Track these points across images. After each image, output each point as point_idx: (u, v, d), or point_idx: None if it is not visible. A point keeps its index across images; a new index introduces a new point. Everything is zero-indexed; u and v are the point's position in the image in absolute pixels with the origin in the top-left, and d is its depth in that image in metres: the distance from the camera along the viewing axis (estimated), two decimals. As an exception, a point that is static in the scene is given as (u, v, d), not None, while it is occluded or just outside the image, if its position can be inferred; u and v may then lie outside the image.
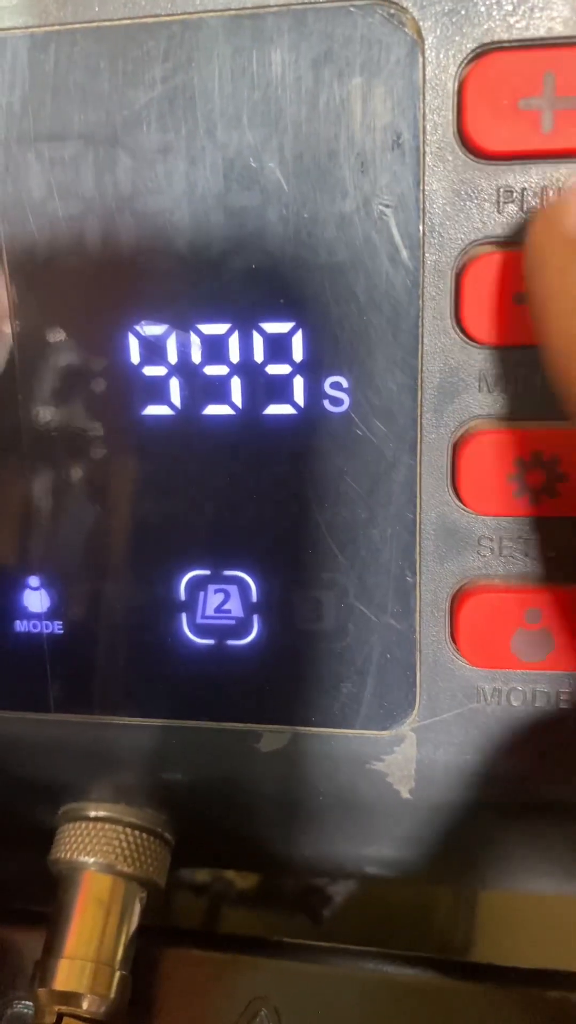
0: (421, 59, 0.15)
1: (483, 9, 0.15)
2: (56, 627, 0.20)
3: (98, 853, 0.21)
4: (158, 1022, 0.21)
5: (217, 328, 0.17)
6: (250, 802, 0.21)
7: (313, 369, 0.17)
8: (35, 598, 0.20)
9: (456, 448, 0.17)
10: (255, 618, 0.19)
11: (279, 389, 0.18)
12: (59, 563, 0.19)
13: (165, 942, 0.22)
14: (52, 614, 0.20)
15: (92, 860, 0.21)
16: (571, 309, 0.15)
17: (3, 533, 0.19)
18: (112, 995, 0.20)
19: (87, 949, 0.20)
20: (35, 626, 0.20)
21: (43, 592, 0.20)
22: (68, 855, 0.21)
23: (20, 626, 0.20)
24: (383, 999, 0.21)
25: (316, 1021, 0.21)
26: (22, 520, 0.19)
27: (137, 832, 0.21)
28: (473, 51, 0.15)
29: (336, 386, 0.18)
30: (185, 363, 0.18)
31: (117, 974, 0.20)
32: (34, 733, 0.20)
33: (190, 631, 0.19)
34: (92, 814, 0.22)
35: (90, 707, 0.20)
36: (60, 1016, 0.20)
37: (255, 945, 0.22)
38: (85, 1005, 0.20)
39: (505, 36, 0.15)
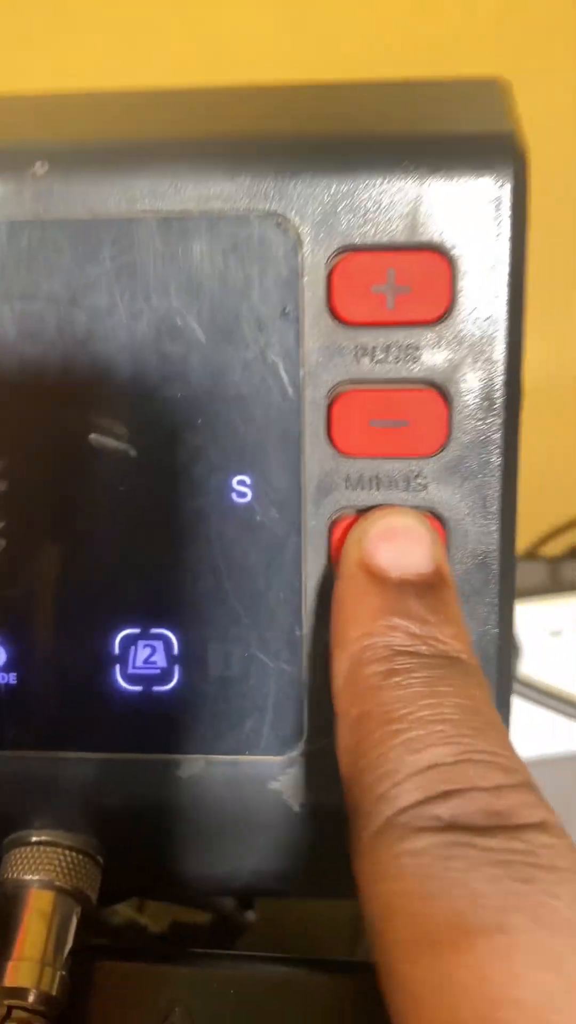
0: (300, 254, 0.22)
1: (344, 223, 0.22)
2: (11, 678, 0.24)
3: (41, 872, 0.25)
4: None
5: (150, 439, 0.23)
6: (171, 823, 0.25)
7: (224, 471, 0.23)
8: (-5, 654, 0.24)
9: (331, 530, 0.23)
10: (176, 668, 0.24)
11: (197, 484, 0.23)
12: (14, 625, 0.24)
13: (94, 956, 0.26)
14: (7, 667, 0.24)
15: (36, 878, 0.25)
16: (348, 623, 0.20)
17: (-29, 601, 0.24)
18: (54, 992, 0.24)
19: (32, 952, 0.24)
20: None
21: (1, 648, 0.24)
22: (15, 875, 0.25)
23: (-19, 678, 0.24)
24: (290, 999, 0.25)
25: (227, 1020, 0.25)
26: (-13, 590, 0.24)
27: (74, 853, 0.26)
28: (337, 250, 0.22)
29: (242, 483, 0.23)
30: (126, 463, 0.23)
31: (58, 974, 0.24)
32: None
33: (122, 679, 0.24)
34: (35, 839, 0.26)
35: (40, 744, 0.24)
36: (10, 1009, 0.23)
37: (172, 955, 0.26)
38: (31, 999, 0.24)
39: (359, 242, 0.22)
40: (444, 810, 0.17)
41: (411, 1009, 0.16)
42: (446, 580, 0.21)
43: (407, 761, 0.18)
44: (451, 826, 0.17)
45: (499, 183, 0.21)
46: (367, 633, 0.20)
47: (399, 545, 0.21)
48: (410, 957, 0.16)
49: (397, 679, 0.19)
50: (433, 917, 0.16)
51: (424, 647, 0.20)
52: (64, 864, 0.25)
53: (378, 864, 0.17)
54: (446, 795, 0.17)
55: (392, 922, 0.16)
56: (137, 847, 0.26)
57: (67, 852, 0.25)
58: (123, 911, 0.34)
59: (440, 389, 0.22)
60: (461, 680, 0.19)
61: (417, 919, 0.16)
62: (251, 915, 0.35)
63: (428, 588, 0.21)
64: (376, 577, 0.21)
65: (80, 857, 0.25)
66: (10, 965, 0.24)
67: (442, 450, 0.22)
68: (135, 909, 0.35)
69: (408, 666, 0.19)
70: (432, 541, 0.21)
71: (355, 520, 0.22)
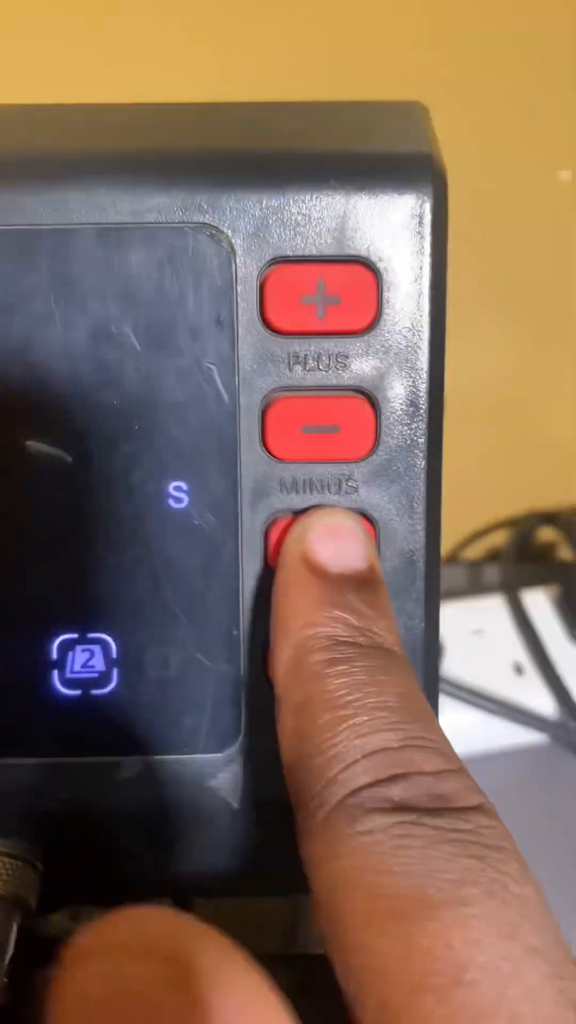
0: (234, 265, 0.22)
1: (275, 236, 0.22)
2: (-53, 686, 0.24)
3: (-21, 880, 0.25)
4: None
5: (86, 445, 0.23)
6: (110, 825, 0.25)
7: (161, 476, 0.23)
8: None
9: (267, 532, 0.24)
10: (114, 671, 0.24)
11: (134, 491, 0.24)
12: (-49, 633, 0.24)
13: (33, 963, 0.26)
14: (-56, 675, 0.24)
15: (-27, 886, 0.25)
16: (290, 613, 0.21)
17: None
18: (-6, 998, 0.24)
19: (-29, 961, 0.24)
20: None
21: None
22: (-48, 884, 0.25)
23: None
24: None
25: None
26: None
27: (12, 860, 0.26)
28: (269, 261, 0.23)
29: (178, 488, 0.24)
30: (62, 470, 0.23)
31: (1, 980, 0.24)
32: None
33: (60, 684, 0.24)
34: (-27, 848, 0.26)
35: (-23, 750, 0.24)
36: (-51, 1017, 0.23)
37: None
38: (-29, 1006, 0.23)
39: (290, 253, 0.22)
40: (394, 792, 0.18)
41: (376, 980, 0.16)
42: (378, 577, 0.22)
43: (355, 744, 0.19)
44: (401, 807, 0.18)
45: (420, 200, 0.22)
46: (310, 623, 0.21)
47: (338, 543, 0.22)
48: (371, 928, 0.16)
49: (341, 667, 0.20)
50: (394, 889, 0.17)
51: (362, 638, 0.21)
52: (4, 871, 0.25)
53: (331, 844, 0.18)
54: (394, 778, 0.18)
55: (349, 895, 0.17)
56: (77, 851, 0.26)
57: (4, 858, 0.25)
58: (57, 921, 0.34)
59: (368, 396, 0.23)
60: (396, 671, 0.20)
61: (377, 892, 0.17)
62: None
63: (364, 584, 0.22)
64: (317, 571, 0.22)
65: (18, 863, 0.25)
66: (-51, 974, 0.24)
67: (371, 454, 0.23)
68: (69, 918, 0.35)
69: (350, 655, 0.20)
70: (366, 541, 0.22)
71: (292, 521, 0.23)
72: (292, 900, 0.38)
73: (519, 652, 0.53)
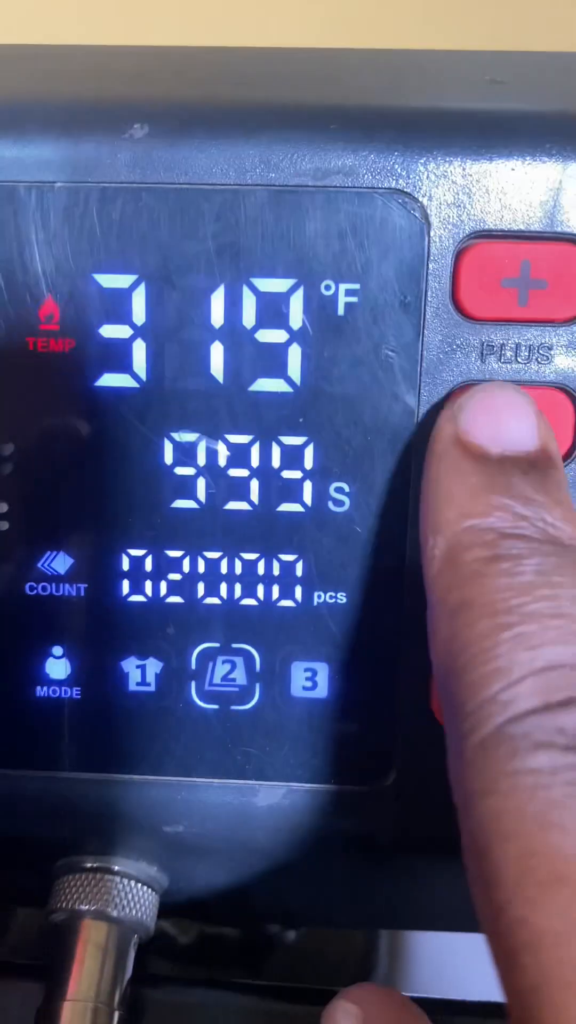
0: (427, 238, 0.19)
1: (477, 205, 0.19)
2: (74, 693, 0.22)
3: (96, 902, 0.23)
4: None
5: (242, 438, 0.21)
6: (242, 854, 0.23)
7: (321, 476, 0.21)
8: (58, 666, 0.22)
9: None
10: (257, 686, 0.22)
11: (291, 490, 0.21)
12: (82, 639, 0.22)
13: (150, 987, 0.24)
14: (72, 681, 0.22)
15: (90, 908, 0.23)
16: (443, 504, 0.18)
17: (35, 607, 0.22)
18: (111, 1033, 0.22)
19: (88, 991, 0.22)
20: (55, 691, 0.22)
21: (65, 660, 0.22)
22: (67, 904, 0.23)
23: (41, 691, 0.22)
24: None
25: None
26: (53, 596, 0.22)
27: (132, 881, 0.24)
28: (468, 236, 0.20)
29: (339, 490, 0.21)
30: (212, 465, 0.21)
31: (116, 1014, 0.22)
32: (46, 790, 0.22)
33: (198, 697, 0.22)
34: (90, 865, 0.24)
35: (104, 766, 0.22)
36: (66, 1054, 0.21)
37: (231, 987, 0.25)
38: (88, 1043, 0.22)
39: (493, 227, 0.19)
40: (569, 722, 0.14)
41: (528, 958, 0.13)
42: (554, 461, 0.18)
43: (521, 658, 0.15)
44: None
45: None
46: (466, 514, 0.17)
47: (501, 420, 0.18)
48: (523, 894, 0.13)
49: (505, 565, 0.16)
50: (558, 849, 0.13)
51: (532, 529, 0.17)
52: (122, 893, 0.23)
53: (487, 778, 0.15)
54: (570, 703, 0.15)
55: (505, 846, 0.14)
56: (201, 877, 0.24)
57: (126, 880, 0.23)
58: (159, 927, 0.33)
59: (572, 394, 0.20)
60: (575, 570, 0.16)
61: (536, 847, 0.14)
62: (291, 936, 0.33)
63: (534, 466, 0.18)
64: (474, 454, 0.18)
65: (139, 886, 0.23)
66: (65, 1006, 0.22)
67: (569, 459, 0.20)
68: (173, 926, 0.33)
69: (517, 552, 0.17)
70: (538, 418, 0.19)
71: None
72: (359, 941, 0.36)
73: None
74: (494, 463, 0.18)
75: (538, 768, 0.14)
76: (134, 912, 0.23)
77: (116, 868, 0.23)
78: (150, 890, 0.24)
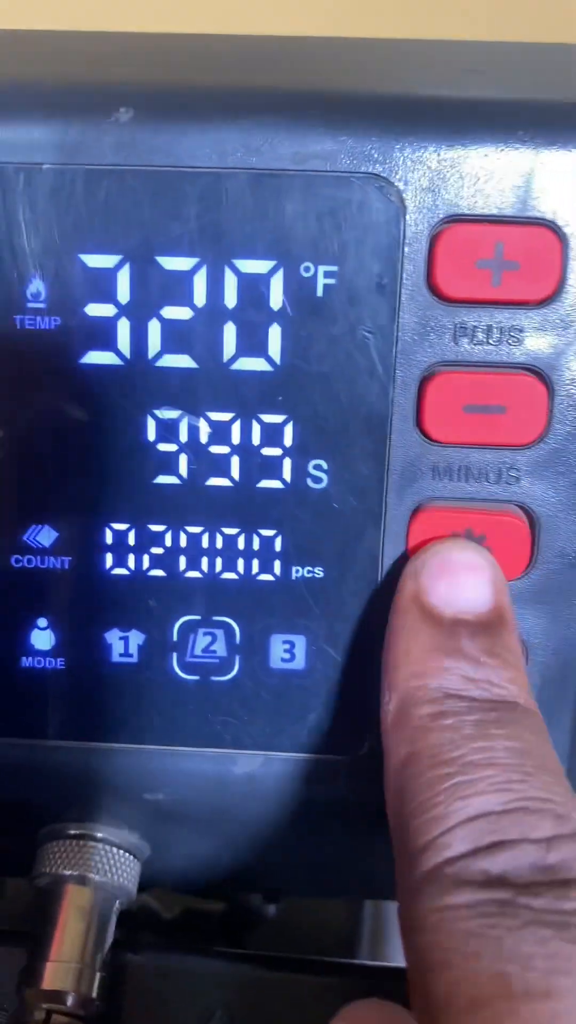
0: (403, 222, 0.20)
1: (451, 191, 0.20)
2: (58, 663, 0.23)
3: (79, 867, 0.24)
4: None
5: (223, 416, 0.21)
6: (220, 821, 0.24)
7: (300, 453, 0.21)
8: (42, 637, 0.23)
9: (411, 522, 0.22)
10: (237, 658, 0.23)
11: (270, 467, 0.22)
12: (67, 609, 0.22)
13: (131, 953, 0.25)
14: (56, 652, 0.23)
15: (74, 873, 0.24)
16: (399, 661, 0.20)
17: (21, 580, 0.22)
18: (94, 994, 0.23)
19: (70, 953, 0.23)
20: (39, 662, 0.23)
21: (49, 632, 0.23)
22: (51, 869, 0.24)
23: (26, 662, 0.23)
24: (326, 1002, 0.24)
25: (265, 1021, 0.24)
26: (38, 570, 0.22)
27: (114, 848, 0.24)
28: (443, 219, 0.20)
29: (318, 467, 0.22)
30: (193, 442, 0.21)
31: (98, 975, 0.23)
32: (30, 758, 0.23)
33: (179, 668, 0.23)
34: (73, 832, 0.24)
35: (87, 735, 0.23)
36: (49, 1013, 0.22)
37: (212, 954, 0.25)
38: (70, 1002, 0.22)
39: (467, 211, 0.20)
40: (492, 864, 0.16)
41: None
42: (505, 620, 0.20)
43: (456, 807, 0.17)
44: (498, 882, 0.16)
45: (617, 158, 0.20)
46: (417, 673, 0.19)
47: (457, 581, 0.20)
48: (449, 1018, 0.15)
49: (447, 721, 0.19)
50: (476, 978, 0.15)
51: (477, 691, 0.19)
52: (105, 859, 0.24)
53: (419, 915, 0.16)
54: (495, 847, 0.17)
55: (431, 977, 0.16)
56: (182, 844, 0.24)
57: (108, 847, 0.24)
58: (140, 900, 0.33)
59: (542, 375, 0.21)
60: (514, 723, 0.19)
61: (458, 978, 0.15)
62: (272, 910, 0.34)
63: (483, 629, 0.20)
64: (430, 615, 0.20)
65: (121, 853, 0.24)
66: (48, 966, 0.23)
67: (539, 441, 0.21)
68: (153, 899, 0.34)
69: (459, 709, 0.19)
70: (493, 578, 0.20)
71: (438, 513, 0.21)
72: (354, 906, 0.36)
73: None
74: (447, 626, 0.20)
75: (459, 904, 0.16)
76: (116, 878, 0.24)
77: (99, 835, 0.24)
78: (132, 857, 0.24)
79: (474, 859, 0.17)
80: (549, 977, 0.15)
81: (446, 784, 0.18)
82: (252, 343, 0.21)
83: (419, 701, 0.19)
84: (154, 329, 0.21)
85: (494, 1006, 0.15)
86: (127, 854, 0.24)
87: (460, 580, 0.20)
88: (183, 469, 0.22)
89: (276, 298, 0.21)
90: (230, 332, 0.21)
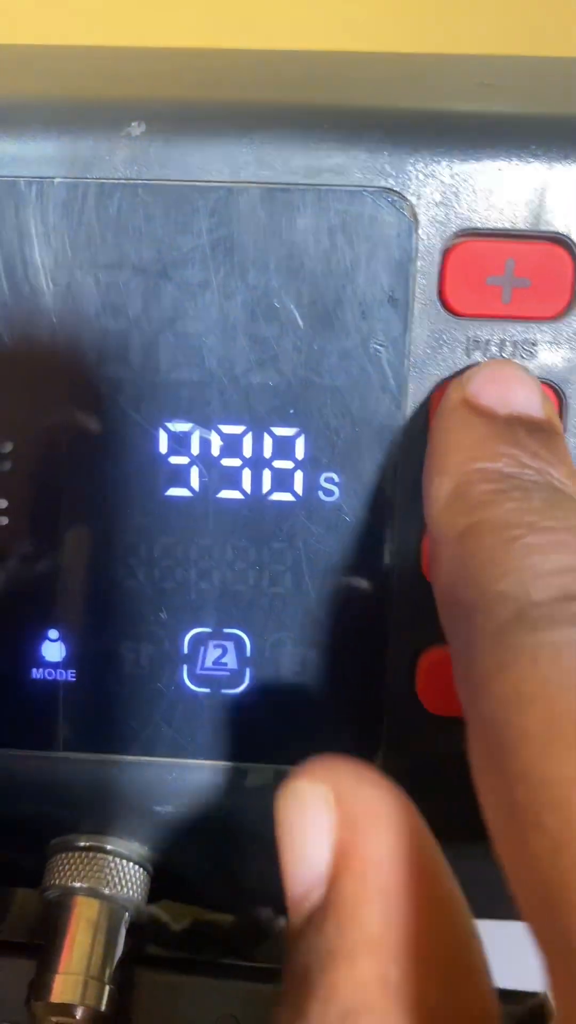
0: (415, 236, 0.20)
1: (464, 204, 0.20)
2: (69, 675, 0.23)
3: (89, 879, 0.24)
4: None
5: (234, 429, 0.21)
6: (231, 836, 0.24)
7: (311, 466, 0.21)
8: (53, 649, 0.23)
9: (422, 538, 0.22)
10: (247, 670, 0.23)
11: (282, 480, 0.22)
12: (76, 621, 0.22)
13: (141, 967, 0.25)
14: (65, 664, 0.23)
15: (83, 885, 0.24)
16: (451, 450, 0.18)
17: (32, 592, 0.22)
18: (103, 1007, 0.23)
19: (79, 965, 0.23)
20: (50, 674, 0.23)
21: (60, 643, 0.23)
22: (60, 882, 0.24)
23: (37, 673, 0.23)
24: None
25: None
26: (49, 582, 0.22)
27: (124, 861, 0.24)
28: (455, 234, 0.20)
29: (329, 480, 0.22)
30: (205, 455, 0.21)
31: (106, 988, 0.23)
32: (41, 770, 0.23)
33: (189, 680, 0.23)
34: (83, 844, 0.24)
35: (97, 747, 0.23)
36: (57, 1026, 0.22)
37: (223, 969, 0.25)
38: (79, 1015, 0.22)
39: (479, 225, 0.20)
40: None
41: (554, 816, 0.12)
42: (558, 431, 0.19)
43: (535, 560, 0.15)
44: None
45: (629, 172, 0.20)
46: (475, 457, 0.18)
47: (509, 387, 0.19)
48: (553, 751, 0.13)
49: (514, 494, 0.17)
50: None
51: (538, 477, 0.17)
52: (115, 872, 0.24)
53: (505, 655, 0.14)
54: None
55: (525, 712, 0.13)
56: (191, 858, 0.24)
57: (118, 859, 0.24)
58: (152, 912, 0.33)
59: (556, 390, 0.21)
60: None
61: (563, 708, 0.13)
62: (281, 923, 0.34)
63: (539, 428, 0.18)
64: (483, 412, 0.18)
65: (131, 866, 0.24)
66: (56, 979, 0.22)
67: (552, 454, 0.21)
68: (164, 911, 0.33)
69: (524, 485, 0.17)
70: (543, 395, 0.19)
71: None
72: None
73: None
74: (502, 420, 0.18)
75: (559, 640, 0.14)
76: (126, 890, 0.24)
77: (108, 847, 0.24)
78: (141, 870, 0.24)
79: (566, 603, 0.14)
80: None
81: (520, 542, 0.15)
82: (264, 356, 0.21)
83: (478, 480, 0.17)
84: (165, 342, 0.21)
85: None
86: (137, 867, 0.24)
87: (512, 386, 0.19)
88: (195, 482, 0.22)
89: (287, 310, 0.21)
90: (241, 345, 0.21)
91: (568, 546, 0.15)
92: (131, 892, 0.24)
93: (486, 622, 0.15)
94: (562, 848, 0.12)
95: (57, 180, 0.20)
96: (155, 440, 0.21)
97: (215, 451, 0.21)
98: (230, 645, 0.23)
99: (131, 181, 0.20)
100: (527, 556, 0.15)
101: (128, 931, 0.25)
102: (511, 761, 0.13)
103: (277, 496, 0.22)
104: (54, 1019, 0.22)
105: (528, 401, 0.19)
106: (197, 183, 0.20)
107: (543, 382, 0.20)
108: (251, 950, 0.35)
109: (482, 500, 0.17)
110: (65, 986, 0.22)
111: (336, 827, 0.15)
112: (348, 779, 0.15)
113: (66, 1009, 0.22)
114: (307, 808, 0.15)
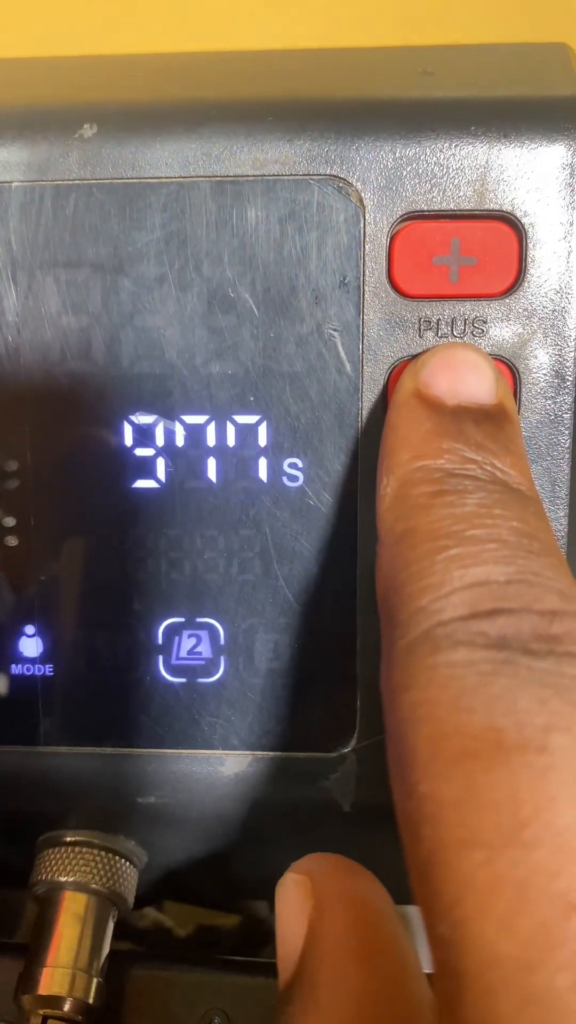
0: (362, 221, 0.21)
1: (408, 188, 0.20)
2: (47, 670, 0.23)
3: (76, 873, 0.24)
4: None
5: (197, 419, 0.22)
6: (213, 823, 0.24)
7: (274, 452, 0.22)
8: (30, 644, 0.23)
9: (387, 517, 0.22)
10: (222, 659, 0.23)
11: (246, 468, 0.22)
12: (52, 615, 0.23)
13: (130, 962, 0.25)
14: (43, 658, 0.23)
15: (70, 880, 0.24)
16: (397, 447, 0.19)
17: (8, 589, 0.23)
18: (91, 999, 0.23)
19: (67, 958, 0.23)
20: (28, 669, 0.23)
21: (37, 639, 0.23)
22: (48, 876, 0.24)
23: (16, 669, 0.23)
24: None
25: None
26: (24, 578, 0.23)
27: (110, 854, 0.24)
28: (400, 217, 0.21)
29: (293, 466, 0.22)
30: (170, 446, 0.22)
31: (94, 980, 0.23)
32: (23, 765, 0.23)
33: (165, 671, 0.23)
34: (69, 839, 0.24)
35: (77, 740, 0.23)
36: (45, 1019, 0.22)
37: (212, 962, 0.25)
38: (67, 1008, 0.22)
39: (424, 208, 0.20)
40: (492, 627, 0.15)
41: (427, 828, 0.14)
42: (509, 415, 0.19)
43: (454, 575, 0.16)
44: (497, 643, 0.15)
45: (571, 150, 0.20)
46: (418, 456, 0.18)
47: (459, 375, 0.19)
48: (433, 771, 0.14)
49: (450, 498, 0.17)
50: (467, 728, 0.14)
51: (480, 472, 0.18)
52: (101, 866, 0.24)
53: (409, 673, 0.15)
54: (495, 613, 0.15)
55: (416, 730, 0.14)
56: (177, 848, 0.25)
57: (104, 853, 0.24)
58: (149, 913, 0.33)
59: (508, 365, 0.21)
60: (518, 506, 0.17)
61: (446, 729, 0.14)
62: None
63: (487, 417, 0.19)
64: (431, 404, 0.19)
65: (117, 859, 0.24)
66: (44, 972, 0.23)
67: (508, 429, 0.21)
68: (157, 910, 0.33)
69: (461, 488, 0.17)
70: (496, 377, 0.19)
71: None
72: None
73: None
74: (448, 412, 0.19)
75: (455, 661, 0.15)
76: (113, 884, 0.24)
77: (95, 841, 0.24)
78: (128, 862, 0.24)
79: (472, 621, 0.15)
80: (546, 734, 0.14)
81: (444, 555, 0.16)
82: (222, 346, 0.21)
83: (419, 481, 0.18)
84: (126, 336, 0.21)
85: (484, 757, 0.14)
86: (123, 860, 0.24)
87: (463, 373, 0.19)
88: (161, 473, 0.22)
89: (243, 300, 0.21)
90: (200, 336, 0.21)
91: (489, 556, 0.16)
92: (118, 886, 0.24)
93: (400, 638, 0.16)
94: (432, 858, 0.13)
95: (15, 184, 0.21)
96: (120, 433, 0.22)
97: (179, 442, 0.22)
98: (204, 634, 0.23)
99: (86, 181, 0.21)
100: (448, 570, 0.16)
101: (131, 937, 0.25)
102: (405, 775, 0.15)
103: (243, 484, 0.22)
104: (42, 1012, 0.22)
105: (479, 387, 0.19)
106: (149, 180, 0.21)
107: (496, 358, 0.21)
108: (256, 952, 0.35)
109: (418, 504, 0.18)
110: (53, 979, 0.23)
111: (310, 912, 0.18)
112: (323, 869, 0.18)
113: (54, 1002, 0.22)
114: (290, 897, 0.18)
